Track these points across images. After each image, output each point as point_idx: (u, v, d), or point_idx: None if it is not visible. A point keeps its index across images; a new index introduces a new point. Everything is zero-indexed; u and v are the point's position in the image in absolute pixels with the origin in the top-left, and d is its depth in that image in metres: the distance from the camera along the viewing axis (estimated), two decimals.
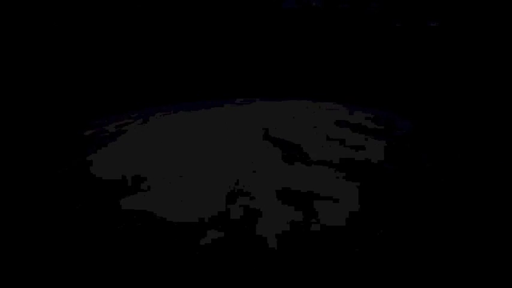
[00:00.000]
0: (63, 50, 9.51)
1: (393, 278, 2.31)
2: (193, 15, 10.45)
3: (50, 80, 9.35)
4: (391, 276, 2.32)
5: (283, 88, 10.53)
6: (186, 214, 3.36)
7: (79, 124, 8.10)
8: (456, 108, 6.17)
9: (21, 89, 8.86)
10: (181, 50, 10.88)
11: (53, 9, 9.32)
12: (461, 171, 3.96)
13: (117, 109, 9.79)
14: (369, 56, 9.31)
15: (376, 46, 9.07)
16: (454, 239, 2.77)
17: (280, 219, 3.21)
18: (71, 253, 2.79)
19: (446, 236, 2.81)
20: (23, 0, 8.55)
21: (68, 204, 3.73)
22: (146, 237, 3.02)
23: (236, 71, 10.96)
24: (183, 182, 4.05)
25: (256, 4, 10.13)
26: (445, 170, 4.06)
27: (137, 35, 10.40)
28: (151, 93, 10.68)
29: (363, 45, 9.32)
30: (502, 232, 2.72)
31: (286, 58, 10.49)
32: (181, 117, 8.02)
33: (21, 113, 8.49)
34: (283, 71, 10.70)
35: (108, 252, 2.79)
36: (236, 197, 3.64)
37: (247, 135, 5.87)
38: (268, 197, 3.62)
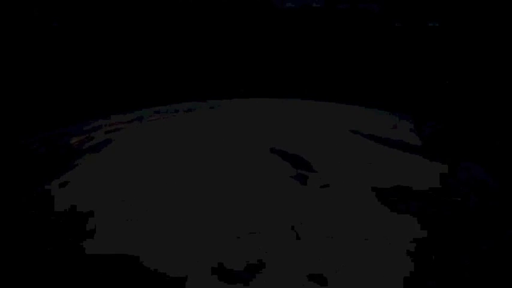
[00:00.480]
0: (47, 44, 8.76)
1: None
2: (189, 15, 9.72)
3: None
4: None
5: (284, 87, 9.88)
6: (173, 266, 2.62)
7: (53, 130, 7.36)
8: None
9: None
10: (183, 50, 10.19)
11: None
12: None
13: (111, 109, 9.06)
14: (375, 55, 8.64)
15: (378, 45, 8.43)
16: None
17: None
18: None
19: None
20: None
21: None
22: None
23: (234, 70, 10.28)
24: (170, 220, 3.30)
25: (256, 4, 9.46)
26: None
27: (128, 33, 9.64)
28: (149, 91, 9.96)
29: (365, 45, 8.63)
30: None
31: (286, 58, 9.87)
32: (178, 120, 7.28)
33: None
34: (283, 70, 10.06)
35: None
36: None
37: (249, 146, 5.11)
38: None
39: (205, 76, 10.38)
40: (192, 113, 7.95)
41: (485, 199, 3.33)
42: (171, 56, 10.46)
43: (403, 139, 5.47)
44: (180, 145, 5.34)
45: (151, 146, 5.40)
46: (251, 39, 10.17)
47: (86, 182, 4.39)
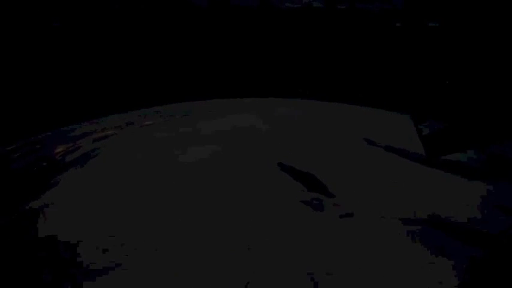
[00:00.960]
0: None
1: None
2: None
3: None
4: None
5: (285, 87, 9.32)
6: None
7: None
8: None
9: None
10: (180, 50, 9.55)
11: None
12: None
13: (106, 109, 8.40)
14: (375, 55, 8.23)
15: (378, 45, 8.03)
16: None
17: None
18: None
19: None
20: None
21: None
22: None
23: (234, 69, 9.67)
24: (160, 259, 2.74)
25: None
26: None
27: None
28: (145, 92, 9.33)
29: (365, 44, 8.22)
30: None
31: (286, 58, 9.35)
32: (174, 126, 6.66)
33: None
34: (284, 70, 9.51)
35: None
36: None
37: (253, 161, 4.54)
38: None
39: (204, 76, 9.76)
40: (188, 118, 7.34)
41: None
42: (170, 56, 9.84)
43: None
44: (171, 162, 4.76)
45: (141, 162, 4.80)
46: (251, 39, 9.62)
47: (67, 207, 3.81)
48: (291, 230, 2.99)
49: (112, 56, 9.35)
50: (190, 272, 2.55)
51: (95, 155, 5.27)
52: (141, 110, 8.82)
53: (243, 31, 9.60)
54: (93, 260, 2.73)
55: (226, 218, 3.25)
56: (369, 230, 2.95)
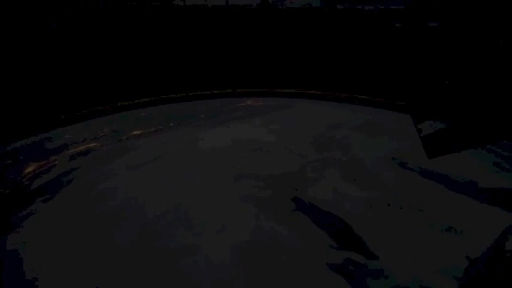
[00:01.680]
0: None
1: None
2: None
3: None
4: None
5: (287, 86, 8.75)
6: None
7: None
8: None
9: None
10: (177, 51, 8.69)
11: None
12: None
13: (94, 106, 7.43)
14: (374, 55, 8.28)
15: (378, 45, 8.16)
16: None
17: None
18: None
19: None
20: None
21: None
22: None
23: (233, 70, 8.87)
24: None
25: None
26: None
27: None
28: (141, 91, 8.45)
29: (365, 44, 8.36)
30: None
31: (286, 58, 9.02)
32: (165, 139, 5.71)
33: None
34: (285, 70, 8.97)
35: None
36: None
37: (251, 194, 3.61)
38: None
39: (204, 75, 8.80)
40: (182, 126, 6.36)
41: None
42: (168, 56, 8.91)
43: (472, 176, 4.01)
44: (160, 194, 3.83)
45: (119, 201, 3.87)
46: (251, 39, 9.00)
47: (32, 254, 2.92)
48: None
49: (98, 52, 8.33)
50: None
51: (69, 181, 4.34)
52: (132, 110, 7.86)
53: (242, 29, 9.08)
54: None
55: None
56: None
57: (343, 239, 2.92)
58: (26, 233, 3.41)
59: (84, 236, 3.21)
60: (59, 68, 7.85)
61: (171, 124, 6.49)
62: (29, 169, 5.09)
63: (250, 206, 3.39)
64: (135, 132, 6.12)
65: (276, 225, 3.11)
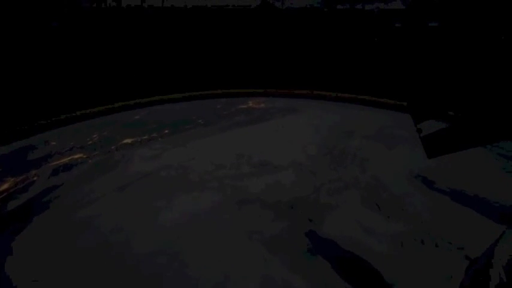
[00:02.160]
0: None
1: None
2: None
3: None
4: None
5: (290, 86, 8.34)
6: None
7: None
8: None
9: None
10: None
11: None
12: None
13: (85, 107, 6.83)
14: (374, 55, 8.16)
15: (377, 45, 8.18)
16: None
17: None
18: None
19: None
20: None
21: None
22: None
23: (234, 70, 8.37)
24: None
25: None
26: None
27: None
28: (140, 91, 7.94)
29: (364, 44, 8.32)
30: None
31: (286, 58, 8.66)
32: (159, 149, 5.11)
33: None
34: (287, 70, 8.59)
35: None
36: None
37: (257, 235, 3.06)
38: None
39: (203, 74, 8.22)
40: (179, 133, 5.75)
41: None
42: (168, 56, 8.36)
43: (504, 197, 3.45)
44: (146, 226, 3.26)
45: (108, 221, 3.30)
46: (251, 39, 8.55)
47: None
48: None
49: (91, 52, 7.74)
50: None
51: (46, 204, 3.76)
52: (123, 112, 7.26)
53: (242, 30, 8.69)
54: None
55: None
56: None
57: None
58: None
59: (59, 281, 2.66)
60: (59, 68, 7.28)
61: (166, 131, 5.88)
62: (4, 186, 4.50)
63: (258, 245, 2.83)
64: (126, 141, 5.51)
65: (289, 272, 2.56)
